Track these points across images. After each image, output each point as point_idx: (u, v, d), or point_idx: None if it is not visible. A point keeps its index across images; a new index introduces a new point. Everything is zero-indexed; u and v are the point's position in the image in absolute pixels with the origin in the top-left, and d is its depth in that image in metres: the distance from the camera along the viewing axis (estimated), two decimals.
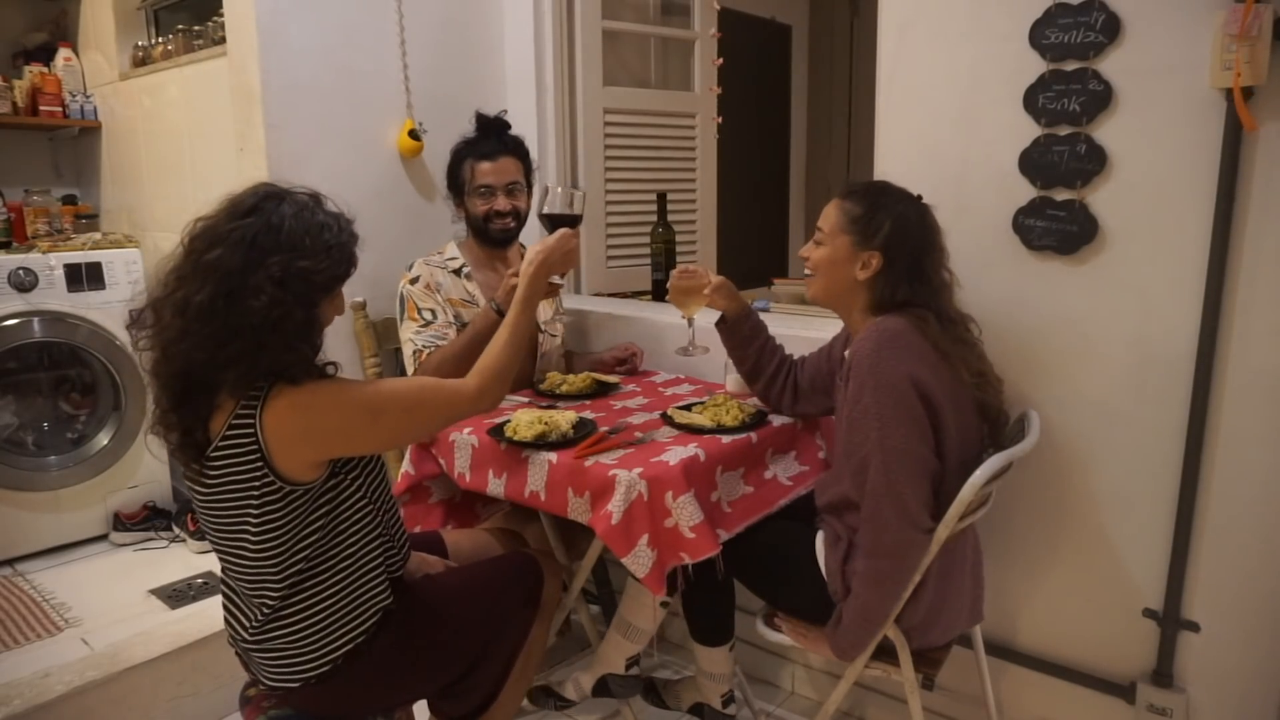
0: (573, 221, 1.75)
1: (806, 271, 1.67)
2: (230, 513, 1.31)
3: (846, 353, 1.61)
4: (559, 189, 1.77)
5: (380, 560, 1.44)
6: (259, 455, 1.27)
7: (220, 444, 1.27)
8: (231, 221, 1.27)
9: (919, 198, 1.63)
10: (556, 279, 1.72)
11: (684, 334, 1.96)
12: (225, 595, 1.43)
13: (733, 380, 2.08)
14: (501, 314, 1.82)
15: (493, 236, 2.23)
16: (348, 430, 1.33)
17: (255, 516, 1.29)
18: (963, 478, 1.46)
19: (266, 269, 1.24)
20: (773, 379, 1.88)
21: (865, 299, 1.61)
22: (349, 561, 1.39)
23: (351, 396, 1.33)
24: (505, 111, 2.32)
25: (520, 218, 2.24)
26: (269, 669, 1.39)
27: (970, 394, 1.57)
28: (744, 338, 1.87)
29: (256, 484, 1.28)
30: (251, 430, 1.26)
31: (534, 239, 1.76)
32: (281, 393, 1.28)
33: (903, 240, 1.57)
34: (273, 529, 1.30)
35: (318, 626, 1.37)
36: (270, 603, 1.35)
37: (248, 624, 1.38)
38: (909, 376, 1.48)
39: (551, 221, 1.76)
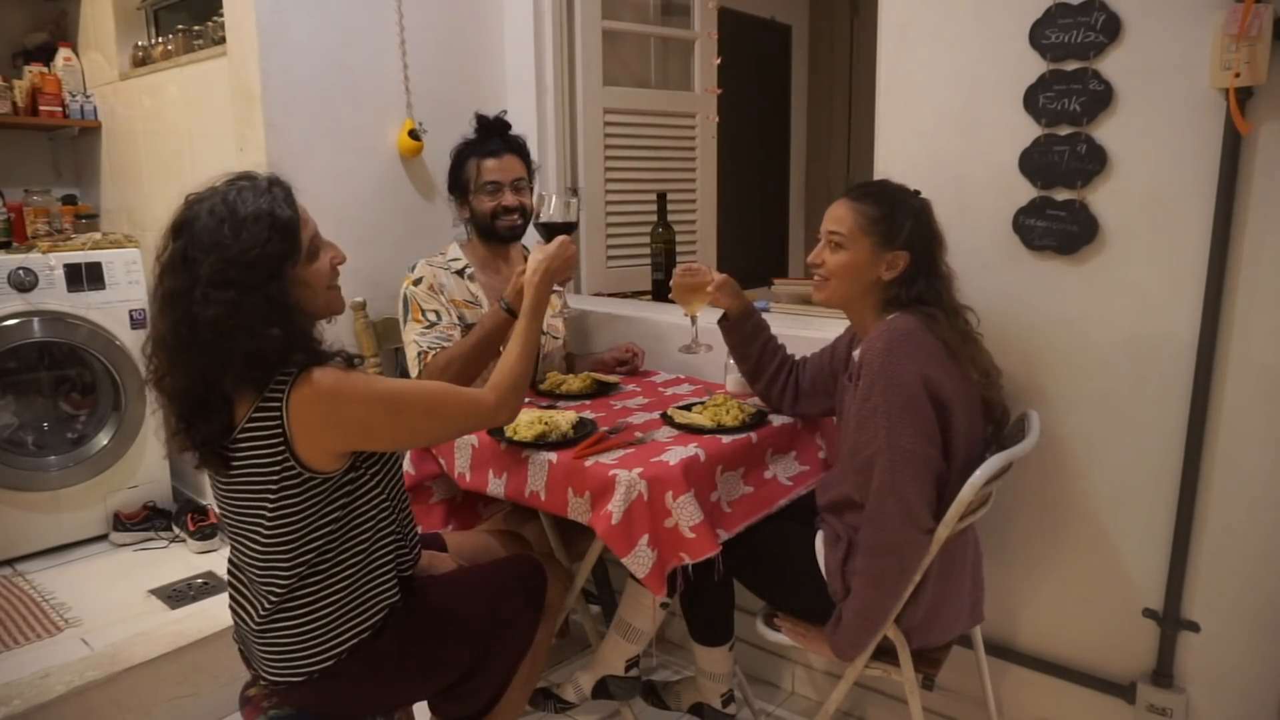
0: (569, 228, 1.77)
1: (818, 276, 1.66)
2: (247, 497, 1.32)
3: (855, 352, 1.61)
4: (554, 197, 1.79)
5: (392, 558, 1.45)
6: (282, 440, 1.28)
7: (245, 428, 1.28)
8: (168, 247, 1.32)
9: (917, 193, 1.64)
10: (556, 285, 1.73)
11: (684, 334, 1.96)
12: (233, 585, 1.43)
13: (733, 380, 2.08)
14: (511, 312, 1.83)
15: (500, 234, 2.22)
16: (368, 423, 1.33)
17: (272, 502, 1.30)
18: (967, 477, 1.46)
19: (202, 280, 1.25)
20: (774, 378, 1.88)
21: (879, 298, 1.61)
22: (360, 556, 1.39)
23: (376, 390, 1.35)
24: (505, 112, 2.32)
25: (526, 215, 2.24)
26: (271, 662, 1.39)
27: (978, 392, 1.58)
28: (746, 336, 1.87)
29: (276, 469, 1.29)
30: (277, 415, 1.27)
31: (533, 241, 1.76)
32: (308, 379, 1.28)
33: (922, 236, 1.58)
34: (287, 516, 1.31)
35: (322, 619, 1.37)
36: (278, 591, 1.35)
37: (254, 613, 1.38)
38: (920, 376, 1.48)
39: (548, 229, 1.77)
